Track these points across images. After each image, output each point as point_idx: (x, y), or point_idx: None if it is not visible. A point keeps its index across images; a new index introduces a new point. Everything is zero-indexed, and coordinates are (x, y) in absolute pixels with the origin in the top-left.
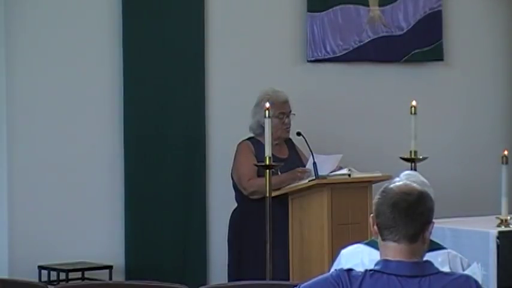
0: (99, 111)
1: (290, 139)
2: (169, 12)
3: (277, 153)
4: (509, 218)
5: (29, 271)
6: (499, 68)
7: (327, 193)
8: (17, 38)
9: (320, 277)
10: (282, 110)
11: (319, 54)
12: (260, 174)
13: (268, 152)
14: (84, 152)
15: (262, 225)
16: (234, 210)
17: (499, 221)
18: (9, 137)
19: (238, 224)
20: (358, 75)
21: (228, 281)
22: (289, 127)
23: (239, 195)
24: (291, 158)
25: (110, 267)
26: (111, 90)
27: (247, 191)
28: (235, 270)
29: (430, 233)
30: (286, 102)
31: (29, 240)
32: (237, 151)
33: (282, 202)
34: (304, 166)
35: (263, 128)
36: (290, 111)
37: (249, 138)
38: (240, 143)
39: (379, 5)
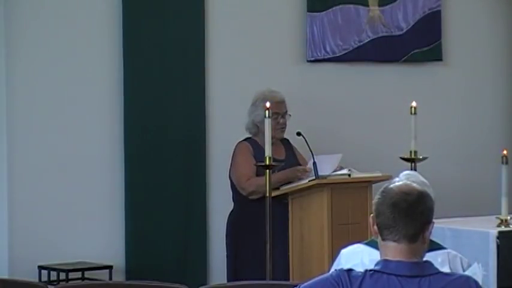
0: (99, 112)
1: (287, 140)
2: (169, 12)
3: (274, 154)
4: (509, 218)
5: (29, 271)
6: (498, 68)
7: (327, 193)
8: (17, 38)
9: (320, 277)
10: (276, 110)
11: (319, 54)
12: (258, 174)
13: (268, 151)
14: (84, 152)
15: (259, 225)
16: (232, 211)
17: (499, 221)
18: (9, 137)
19: (235, 224)
20: (357, 75)
21: (227, 281)
22: (284, 128)
23: (237, 196)
24: (288, 159)
25: (110, 267)
26: (111, 90)
27: (247, 191)
28: (233, 271)
29: (430, 232)
30: (281, 103)
31: (29, 240)
32: (234, 152)
33: (281, 202)
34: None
35: (258, 127)
36: (285, 112)
37: (247, 139)
38: (237, 144)
39: (379, 5)
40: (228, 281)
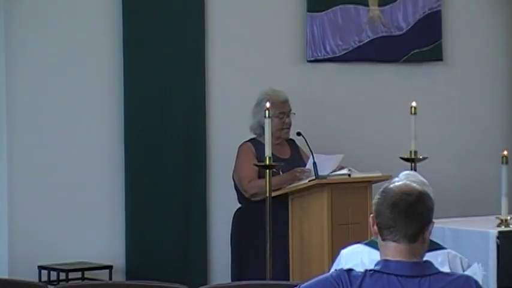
0: (99, 111)
1: (293, 140)
2: (169, 12)
3: (278, 154)
4: (509, 218)
5: (29, 271)
6: (498, 68)
7: (327, 193)
8: (17, 38)
9: (320, 277)
10: (282, 110)
11: (319, 54)
12: (261, 175)
13: (268, 152)
14: (84, 152)
15: (264, 225)
16: (237, 210)
17: (499, 221)
18: (9, 137)
19: (241, 224)
20: (357, 75)
21: (232, 280)
22: (290, 127)
23: (241, 197)
24: (293, 159)
25: (110, 267)
26: (111, 90)
27: (248, 193)
28: (238, 270)
29: (430, 232)
30: (286, 102)
31: (29, 240)
32: (238, 153)
33: (283, 202)
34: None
35: (263, 128)
36: (290, 110)
37: (250, 140)
38: (241, 145)
39: (379, 5)
40: (232, 278)
